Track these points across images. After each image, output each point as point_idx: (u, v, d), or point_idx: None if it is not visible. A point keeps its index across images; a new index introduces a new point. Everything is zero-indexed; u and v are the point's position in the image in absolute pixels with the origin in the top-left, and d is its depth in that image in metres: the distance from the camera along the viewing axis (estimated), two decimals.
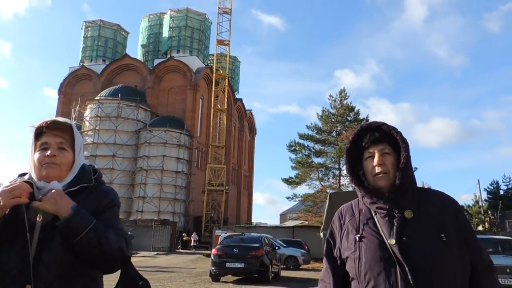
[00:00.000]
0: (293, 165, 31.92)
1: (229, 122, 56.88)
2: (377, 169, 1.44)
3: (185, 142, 49.36)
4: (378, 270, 1.33)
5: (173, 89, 53.66)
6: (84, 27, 60.05)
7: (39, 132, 1.53)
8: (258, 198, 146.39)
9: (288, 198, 32.93)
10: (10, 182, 1.52)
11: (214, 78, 50.88)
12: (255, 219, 63.21)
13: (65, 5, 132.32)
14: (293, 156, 32.23)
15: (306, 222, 32.97)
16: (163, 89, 54.14)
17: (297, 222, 36.22)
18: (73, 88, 57.11)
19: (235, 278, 13.76)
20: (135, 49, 64.98)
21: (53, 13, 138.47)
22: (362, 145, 1.50)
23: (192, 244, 35.63)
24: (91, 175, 1.58)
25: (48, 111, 60.49)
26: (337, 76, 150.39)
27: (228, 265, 12.89)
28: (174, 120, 49.58)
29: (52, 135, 1.51)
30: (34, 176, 1.51)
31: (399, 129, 1.48)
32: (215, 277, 13.11)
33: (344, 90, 32.20)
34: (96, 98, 49.99)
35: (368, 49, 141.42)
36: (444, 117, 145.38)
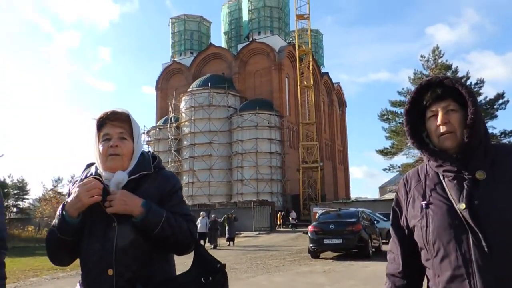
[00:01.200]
0: (387, 135, 30.43)
1: (317, 98, 56.00)
2: (442, 129, 1.31)
3: (275, 123, 49.97)
4: (448, 238, 1.23)
5: (259, 71, 54.36)
6: (170, 23, 63.49)
7: (101, 124, 1.61)
8: (355, 172, 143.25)
9: (385, 169, 31.67)
10: (82, 174, 1.68)
11: (297, 55, 50.30)
12: (353, 194, 62.16)
13: (150, 5, 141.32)
14: (386, 125, 30.71)
15: None
16: (249, 73, 55.17)
17: None
18: (168, 83, 61.11)
19: (335, 254, 13.73)
20: (219, 37, 67.00)
21: (142, 14, 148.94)
22: (424, 104, 1.37)
23: (291, 222, 35.93)
24: (151, 162, 1.65)
25: (148, 107, 65.82)
26: (429, 33, 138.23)
27: (326, 241, 12.89)
28: (262, 102, 50.40)
29: (112, 126, 1.59)
30: (100, 166, 1.61)
31: (464, 82, 1.33)
32: (314, 254, 13.22)
33: (437, 47, 29.49)
34: (189, 90, 52.88)
35: None
36: None
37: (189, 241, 1.57)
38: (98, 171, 1.61)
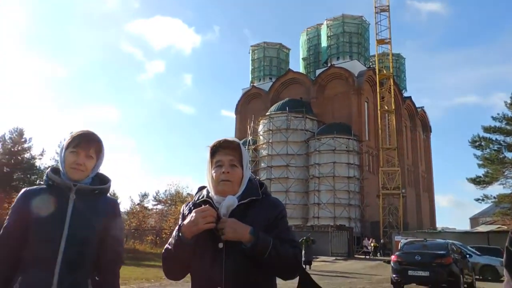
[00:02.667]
0: (480, 162, 28.09)
1: (399, 122, 53.80)
2: None
3: (354, 147, 48.86)
4: None
5: (337, 96, 53.93)
6: (251, 50, 66.10)
7: (214, 151, 1.75)
8: (441, 201, 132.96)
9: (477, 200, 29.06)
10: (195, 196, 1.84)
11: (377, 79, 49.09)
12: (439, 224, 57.81)
13: (230, 34, 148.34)
14: (478, 152, 28.42)
15: (505, 227, 28.44)
16: (327, 97, 54.96)
17: (493, 227, 31.50)
18: (247, 107, 63.14)
19: (420, 287, 12.88)
20: (297, 63, 68.03)
21: (222, 43, 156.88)
22: None
23: (369, 249, 34.64)
24: (258, 189, 1.76)
25: (227, 130, 68.29)
26: None
27: (410, 273, 12.15)
28: (340, 126, 49.71)
29: (224, 153, 1.72)
30: (211, 190, 1.74)
31: None
32: (398, 285, 12.51)
33: None
34: (267, 113, 54.08)
35: None
36: None
37: (295, 266, 1.65)
38: (210, 194, 1.75)
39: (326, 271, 19.17)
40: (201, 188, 1.85)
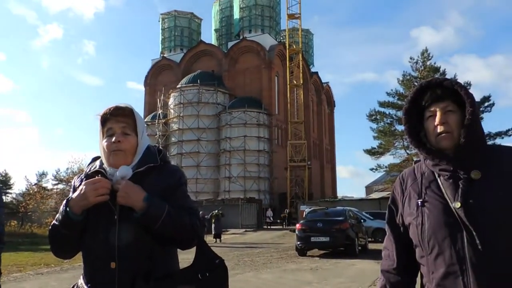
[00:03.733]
0: (375, 135, 30.76)
1: (306, 97, 56.21)
2: (440, 128, 1.33)
3: (264, 121, 50.05)
4: (443, 236, 1.25)
5: (249, 69, 54.32)
6: (160, 19, 62.98)
7: (104, 119, 1.60)
8: (342, 171, 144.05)
9: (372, 169, 32.00)
10: (87, 167, 1.67)
11: (287, 54, 50.41)
12: (340, 193, 62.52)
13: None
14: (374, 125, 31.03)
15: None
16: (239, 71, 55.09)
17: (384, 194, 35.03)
18: (157, 79, 60.63)
19: (321, 252, 13.84)
20: (209, 35, 66.78)
21: (128, 8, 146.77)
22: (423, 104, 1.39)
23: (267, 221, 35.29)
24: (157, 155, 1.64)
25: (135, 103, 64.96)
26: (413, 36, 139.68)
27: (313, 239, 13.00)
28: (252, 100, 50.39)
29: (115, 121, 1.58)
30: (105, 162, 1.60)
31: (463, 84, 1.35)
32: (301, 251, 13.32)
33: (426, 50, 29.88)
34: (178, 86, 52.58)
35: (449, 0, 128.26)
36: None
37: (191, 236, 1.54)
38: (104, 165, 1.61)
39: (236, 243, 19.65)
40: (95, 159, 1.69)
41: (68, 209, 1.49)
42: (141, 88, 62.29)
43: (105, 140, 1.58)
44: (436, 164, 1.34)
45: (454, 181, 1.30)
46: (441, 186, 1.32)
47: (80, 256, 1.61)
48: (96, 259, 1.52)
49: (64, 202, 1.52)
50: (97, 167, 1.61)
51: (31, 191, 34.22)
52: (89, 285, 1.54)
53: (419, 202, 1.33)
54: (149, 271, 1.50)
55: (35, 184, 43.69)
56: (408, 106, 1.43)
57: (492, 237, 1.20)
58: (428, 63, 29.41)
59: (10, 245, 19.31)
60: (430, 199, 1.32)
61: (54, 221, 1.55)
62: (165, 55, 61.13)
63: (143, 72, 62.59)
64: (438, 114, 1.34)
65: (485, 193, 1.25)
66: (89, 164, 1.69)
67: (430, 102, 1.37)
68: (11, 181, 49.29)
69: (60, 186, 43.19)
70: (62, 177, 45.33)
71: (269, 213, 36.37)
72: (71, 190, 1.63)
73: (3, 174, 48.42)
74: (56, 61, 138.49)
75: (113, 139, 1.56)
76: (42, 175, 47.50)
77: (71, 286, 1.61)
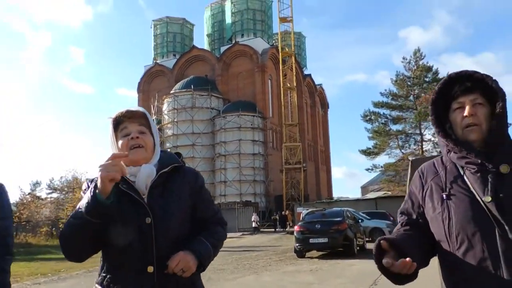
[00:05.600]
0: (370, 135, 30.95)
1: (300, 99, 56.35)
2: (468, 120, 1.31)
3: (258, 124, 50.09)
4: (473, 231, 1.23)
5: (242, 73, 54.40)
6: (152, 25, 62.89)
7: (118, 122, 1.55)
8: (336, 172, 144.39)
9: (367, 169, 32.21)
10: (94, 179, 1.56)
11: (280, 57, 50.55)
12: (335, 194, 62.67)
13: (125, 5, 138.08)
14: (368, 126, 31.20)
15: (389, 193, 31.90)
16: (232, 75, 55.14)
17: (380, 194, 35.13)
18: (150, 85, 60.51)
19: (320, 253, 13.84)
20: (202, 40, 66.80)
21: (116, 15, 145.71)
22: (451, 96, 1.37)
23: (257, 225, 32.31)
24: (176, 156, 1.64)
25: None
26: (402, 36, 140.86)
27: (311, 240, 12.99)
28: (245, 104, 50.40)
29: (130, 122, 1.54)
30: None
31: (493, 78, 1.34)
32: (300, 253, 13.30)
33: (419, 50, 30.20)
34: (171, 92, 52.49)
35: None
36: None
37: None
38: None
39: (234, 247, 19.58)
40: None
41: (97, 191, 1.36)
42: (133, 94, 62.38)
43: (121, 140, 1.53)
44: (463, 157, 1.31)
45: (482, 175, 1.27)
46: (467, 180, 1.30)
47: (75, 264, 1.56)
48: (133, 263, 1.46)
49: (92, 186, 1.38)
50: None
51: (25, 201, 33.90)
52: None
53: (444, 196, 1.31)
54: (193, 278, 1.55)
55: (29, 193, 43.29)
56: (435, 96, 1.41)
57: None
58: (420, 62, 29.66)
59: None
60: (456, 193, 1.29)
61: (70, 217, 1.43)
62: (157, 61, 61.03)
63: (135, 79, 62.46)
64: (468, 106, 1.32)
65: None
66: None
67: (459, 93, 1.35)
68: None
69: (55, 195, 42.95)
70: (56, 186, 45.13)
71: (255, 217, 32.72)
72: (83, 192, 1.56)
73: None
74: (44, 69, 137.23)
75: (131, 135, 1.51)
76: (36, 184, 47.06)
77: None
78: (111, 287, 1.47)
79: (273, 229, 32.63)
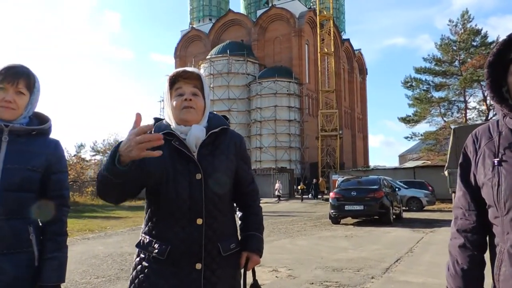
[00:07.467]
0: (410, 102, 29.85)
1: (337, 65, 54.90)
2: None
3: (294, 91, 49.53)
4: None
5: (278, 38, 53.38)
6: None
7: (173, 81, 1.64)
8: (373, 140, 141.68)
9: (406, 138, 31.22)
10: (155, 128, 1.59)
11: (318, 21, 48.99)
12: (372, 163, 61.89)
13: None
14: (409, 92, 30.07)
15: (429, 162, 31.10)
16: (269, 40, 54.24)
17: (419, 162, 34.31)
18: (186, 50, 60.70)
19: (355, 220, 13.89)
20: (238, 3, 65.50)
21: None
22: (509, 58, 1.29)
23: (276, 194, 29.99)
24: (223, 119, 1.74)
25: (163, 75, 65.38)
26: None
27: (347, 207, 13.03)
28: (282, 70, 49.78)
29: (185, 82, 1.62)
30: (172, 121, 1.62)
31: None
32: (335, 220, 13.41)
33: (467, 11, 28.23)
34: (208, 57, 52.51)
35: None
36: None
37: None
38: (172, 126, 1.62)
39: (269, 212, 19.96)
40: (157, 120, 1.70)
41: (116, 155, 1.31)
42: (167, 59, 62.69)
43: (174, 100, 1.62)
44: None
45: None
46: None
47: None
48: (183, 215, 1.54)
49: (114, 146, 1.33)
50: (164, 129, 1.59)
51: (71, 162, 35.73)
52: (164, 243, 1.54)
53: (496, 162, 1.28)
54: (232, 231, 1.71)
55: (75, 155, 45.55)
56: (492, 58, 1.34)
57: None
58: (468, 25, 27.86)
59: None
60: (508, 159, 1.26)
61: (98, 173, 1.42)
62: (194, 26, 60.83)
63: (170, 45, 62.50)
64: None
65: None
66: (155, 124, 1.66)
67: None
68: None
69: (98, 157, 44.96)
70: (99, 149, 47.24)
71: (278, 185, 30.35)
72: None
73: None
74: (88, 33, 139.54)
75: (185, 97, 1.60)
76: (81, 146, 49.32)
77: (137, 243, 1.62)
78: (159, 237, 1.56)
79: (299, 199, 30.15)
